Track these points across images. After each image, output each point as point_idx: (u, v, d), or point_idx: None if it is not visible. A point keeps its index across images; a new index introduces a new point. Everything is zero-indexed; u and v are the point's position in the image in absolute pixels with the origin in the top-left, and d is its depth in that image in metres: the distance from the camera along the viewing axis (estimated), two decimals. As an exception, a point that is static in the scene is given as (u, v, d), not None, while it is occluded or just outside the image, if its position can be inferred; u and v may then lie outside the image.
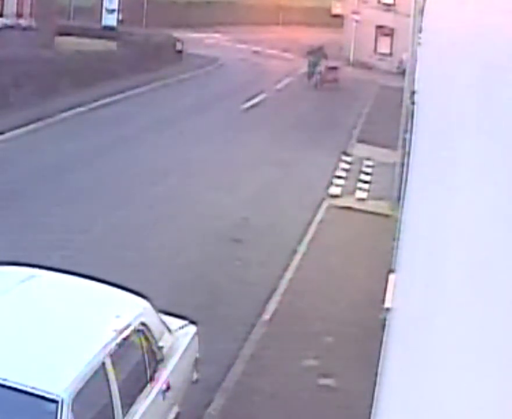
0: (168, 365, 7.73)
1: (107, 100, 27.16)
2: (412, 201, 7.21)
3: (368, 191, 20.49)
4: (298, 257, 15.14)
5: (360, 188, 20.64)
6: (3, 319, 6.84)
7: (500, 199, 6.59)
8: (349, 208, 18.86)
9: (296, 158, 23.09)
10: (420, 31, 15.20)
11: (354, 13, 50.91)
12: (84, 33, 36.01)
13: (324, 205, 18.88)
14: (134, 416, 6.86)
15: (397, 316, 5.44)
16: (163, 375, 7.57)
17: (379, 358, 5.26)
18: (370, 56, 50.39)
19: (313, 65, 39.50)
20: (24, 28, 29.50)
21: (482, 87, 9.23)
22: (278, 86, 37.34)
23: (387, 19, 49.32)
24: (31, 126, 21.78)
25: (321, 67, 39.28)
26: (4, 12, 29.04)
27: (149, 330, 7.45)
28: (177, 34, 43.15)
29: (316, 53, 40.26)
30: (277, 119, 28.74)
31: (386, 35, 50.42)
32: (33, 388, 5.95)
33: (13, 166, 18.12)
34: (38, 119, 22.37)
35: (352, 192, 20.25)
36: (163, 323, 8.00)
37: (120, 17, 43.13)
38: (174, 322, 8.37)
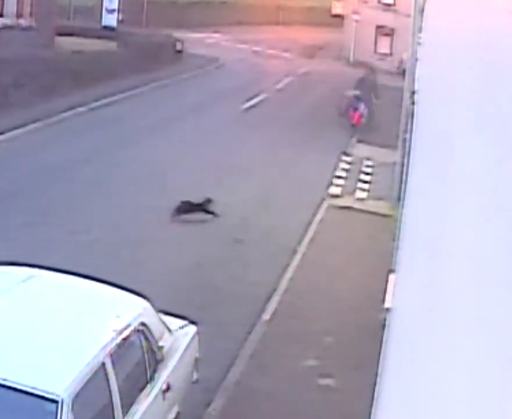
0: (168, 365, 7.73)
1: (107, 100, 27.14)
2: (412, 201, 7.21)
3: (368, 191, 20.48)
4: (298, 257, 15.14)
5: (360, 188, 20.63)
6: (3, 319, 6.84)
7: (500, 199, 6.59)
8: (349, 208, 18.86)
9: (296, 158, 23.08)
10: (420, 31, 15.21)
11: (354, 13, 50.87)
12: (84, 33, 35.96)
13: (324, 205, 18.88)
14: (134, 416, 6.87)
15: (397, 316, 5.44)
16: (163, 375, 7.57)
17: (378, 358, 5.26)
18: (370, 56, 50.35)
19: (356, 99, 29.26)
20: (24, 28, 29.46)
21: (481, 87, 9.23)
22: (279, 86, 37.32)
23: (387, 19, 49.28)
24: (31, 126, 21.76)
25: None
26: (4, 12, 29.01)
27: (149, 330, 7.45)
28: (177, 34, 43.13)
29: (364, 84, 30.07)
30: (277, 119, 28.73)
31: (386, 35, 50.39)
32: (33, 388, 5.95)
33: (13, 166, 18.12)
34: (38, 119, 22.36)
35: (352, 192, 20.25)
36: (163, 323, 8.00)
37: (120, 17, 43.06)
38: (174, 322, 8.37)
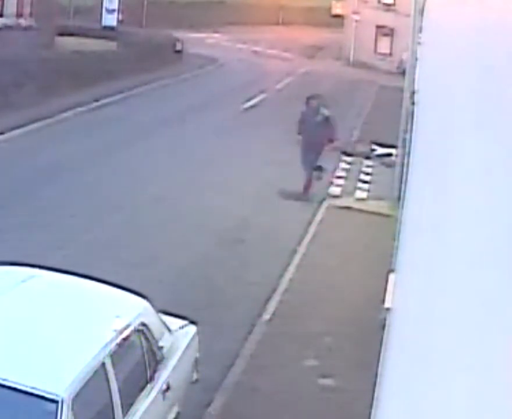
0: (168, 365, 7.73)
1: (107, 100, 27.16)
2: (412, 201, 7.21)
3: (368, 191, 20.47)
4: (298, 257, 15.13)
5: (360, 188, 20.62)
6: (3, 319, 6.84)
7: (500, 199, 6.58)
8: (349, 208, 18.86)
9: (296, 158, 23.02)
10: (420, 31, 15.20)
11: (354, 13, 50.90)
12: (84, 33, 36.02)
13: (324, 205, 18.88)
14: (134, 416, 6.86)
15: (397, 316, 5.44)
16: (163, 375, 7.57)
17: (378, 358, 5.25)
18: (370, 56, 50.38)
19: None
20: (24, 28, 29.51)
21: (481, 87, 9.22)
22: (279, 86, 37.32)
23: (387, 19, 49.31)
24: (31, 126, 21.77)
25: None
26: (4, 12, 29.07)
27: (149, 330, 7.45)
28: (177, 34, 43.14)
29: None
30: (277, 119, 28.70)
31: (386, 35, 50.42)
32: (33, 388, 5.95)
33: (13, 166, 18.12)
34: (38, 119, 22.37)
35: (352, 192, 20.24)
36: (163, 323, 8.00)
37: (120, 17, 43.10)
38: (174, 322, 8.37)
